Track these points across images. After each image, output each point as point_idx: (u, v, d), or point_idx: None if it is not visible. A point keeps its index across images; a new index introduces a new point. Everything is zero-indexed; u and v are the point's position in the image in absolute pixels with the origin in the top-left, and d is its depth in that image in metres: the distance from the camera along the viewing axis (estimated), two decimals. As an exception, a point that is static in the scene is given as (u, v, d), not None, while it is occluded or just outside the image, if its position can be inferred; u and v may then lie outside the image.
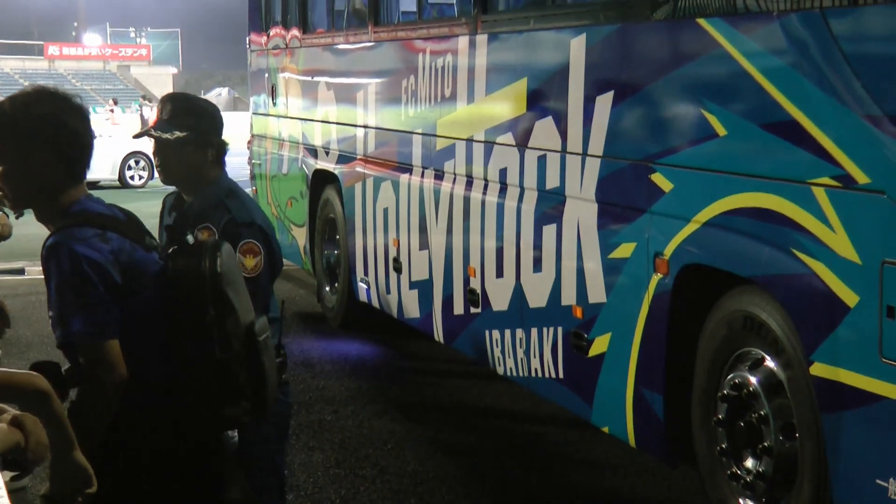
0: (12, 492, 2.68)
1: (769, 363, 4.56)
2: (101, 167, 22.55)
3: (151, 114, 35.25)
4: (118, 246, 3.20)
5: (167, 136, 4.23)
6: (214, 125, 4.35)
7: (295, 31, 9.92)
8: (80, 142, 3.25)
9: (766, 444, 4.57)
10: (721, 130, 4.61)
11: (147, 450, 3.23)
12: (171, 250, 3.32)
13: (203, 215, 4.20)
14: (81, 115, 3.26)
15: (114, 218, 3.29)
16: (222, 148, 4.35)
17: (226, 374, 3.25)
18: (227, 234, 4.06)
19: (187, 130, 4.23)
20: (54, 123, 3.19)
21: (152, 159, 4.31)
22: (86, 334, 3.13)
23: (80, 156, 3.26)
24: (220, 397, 3.28)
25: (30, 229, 4.36)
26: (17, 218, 3.73)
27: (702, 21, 4.72)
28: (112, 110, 40.87)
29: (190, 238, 3.35)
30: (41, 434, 2.55)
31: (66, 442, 2.80)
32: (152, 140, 4.32)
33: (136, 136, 4.65)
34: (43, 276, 3.23)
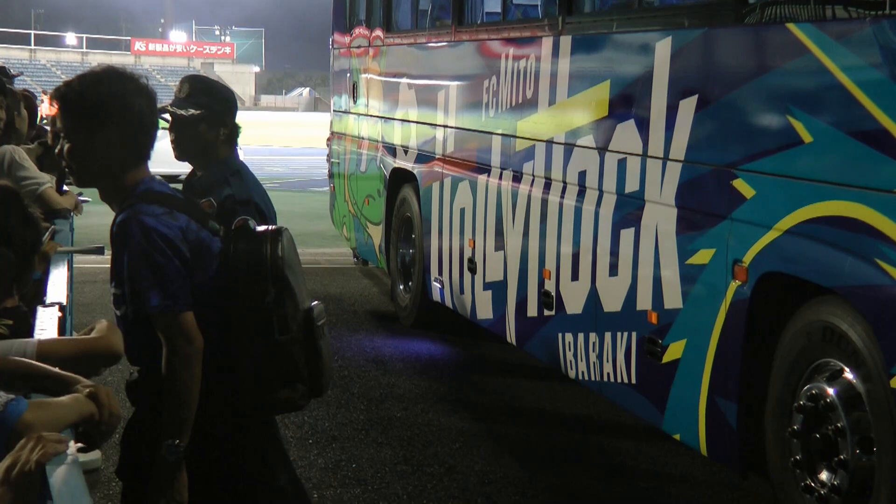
0: (87, 472, 2.71)
1: (848, 375, 4.49)
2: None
3: None
4: (185, 224, 3.26)
5: (182, 112, 4.38)
6: (228, 106, 4.52)
7: (378, 32, 9.96)
8: (145, 123, 3.27)
9: (842, 457, 4.49)
10: (807, 137, 4.55)
11: (199, 428, 3.25)
12: (231, 233, 3.36)
13: (207, 190, 4.28)
14: (148, 97, 3.28)
15: (178, 199, 3.34)
16: (235, 129, 4.51)
17: (284, 357, 3.31)
18: (224, 209, 4.11)
19: (202, 109, 4.39)
20: (121, 103, 3.21)
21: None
22: (163, 307, 3.18)
23: (145, 137, 3.28)
24: (276, 379, 3.33)
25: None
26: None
27: (791, 26, 4.65)
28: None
29: (251, 223, 3.40)
30: (115, 406, 2.56)
31: None
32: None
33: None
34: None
